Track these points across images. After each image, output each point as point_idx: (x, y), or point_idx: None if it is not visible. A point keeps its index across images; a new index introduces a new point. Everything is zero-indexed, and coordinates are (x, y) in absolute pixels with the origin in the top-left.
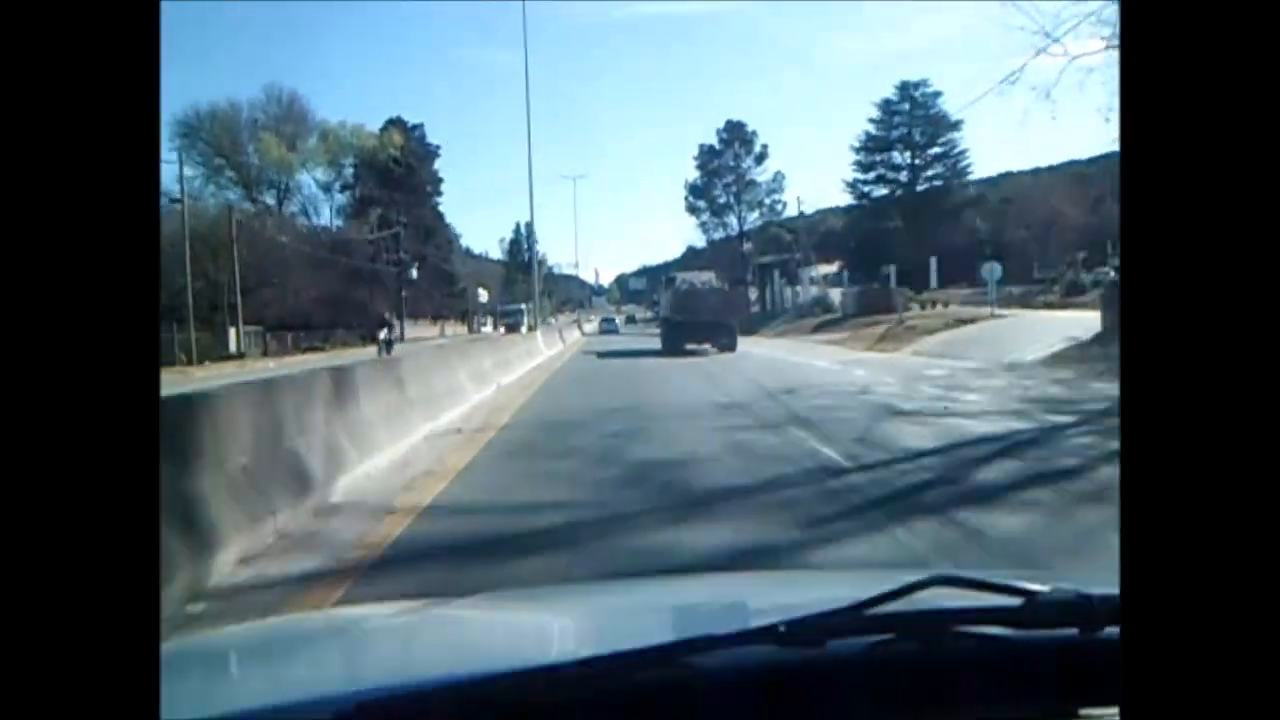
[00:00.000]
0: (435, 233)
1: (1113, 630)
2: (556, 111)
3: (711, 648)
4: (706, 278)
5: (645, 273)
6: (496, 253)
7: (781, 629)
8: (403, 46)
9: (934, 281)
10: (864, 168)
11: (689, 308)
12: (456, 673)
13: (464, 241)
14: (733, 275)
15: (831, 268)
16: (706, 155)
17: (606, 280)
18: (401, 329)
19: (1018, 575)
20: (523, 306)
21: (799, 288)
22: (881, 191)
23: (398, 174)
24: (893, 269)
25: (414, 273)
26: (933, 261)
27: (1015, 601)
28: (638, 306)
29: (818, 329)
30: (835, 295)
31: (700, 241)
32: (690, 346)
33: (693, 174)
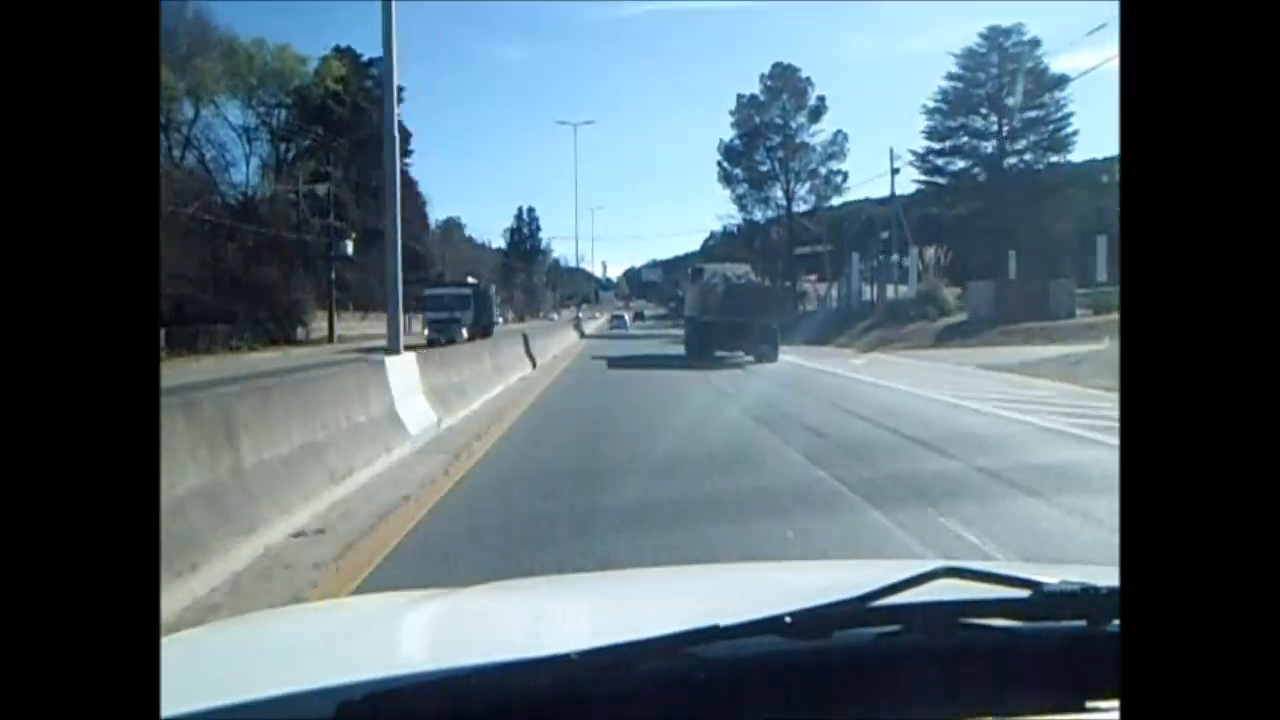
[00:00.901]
0: (403, 203)
1: (1119, 623)
2: (575, 100)
3: (717, 638)
4: (742, 271)
5: (656, 266)
6: (502, 244)
7: (787, 620)
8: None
9: (1103, 273)
10: (938, 135)
11: (721, 306)
12: (462, 663)
13: (469, 232)
14: (774, 266)
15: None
16: (746, 108)
17: (615, 274)
18: (331, 323)
19: (1024, 568)
20: (467, 290)
21: (888, 284)
22: (959, 165)
23: (339, 116)
24: (1012, 257)
25: (348, 246)
26: (1100, 243)
27: (1022, 594)
28: (648, 302)
29: (944, 341)
30: (947, 292)
31: (735, 218)
32: (720, 354)
33: (728, 133)
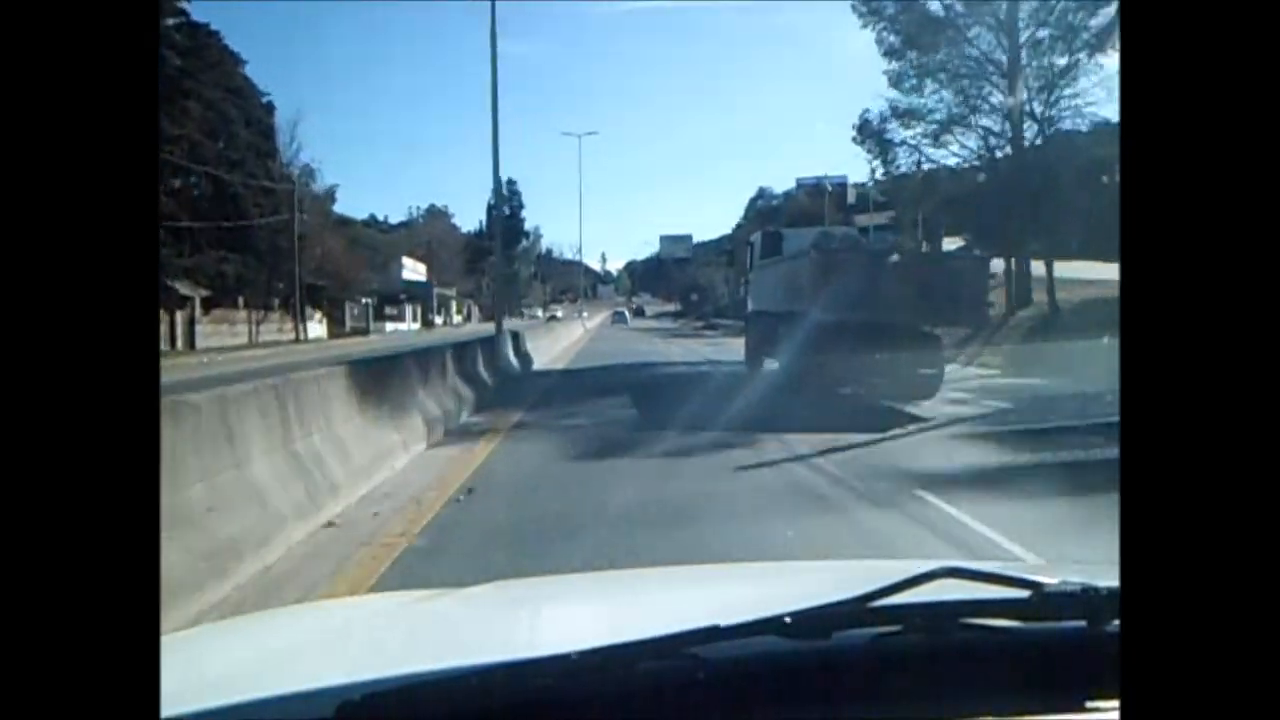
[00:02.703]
0: (232, 128)
1: (1119, 623)
2: (576, 98)
3: (717, 638)
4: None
5: (685, 239)
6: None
7: (787, 620)
8: None
9: None
10: None
11: (844, 297)
12: (462, 663)
13: (456, 221)
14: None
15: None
16: None
17: (615, 267)
18: None
19: (1025, 568)
20: None
21: None
22: None
23: None
24: None
25: None
26: None
27: (1022, 594)
28: (650, 297)
29: None
30: None
31: (896, 110)
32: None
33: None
